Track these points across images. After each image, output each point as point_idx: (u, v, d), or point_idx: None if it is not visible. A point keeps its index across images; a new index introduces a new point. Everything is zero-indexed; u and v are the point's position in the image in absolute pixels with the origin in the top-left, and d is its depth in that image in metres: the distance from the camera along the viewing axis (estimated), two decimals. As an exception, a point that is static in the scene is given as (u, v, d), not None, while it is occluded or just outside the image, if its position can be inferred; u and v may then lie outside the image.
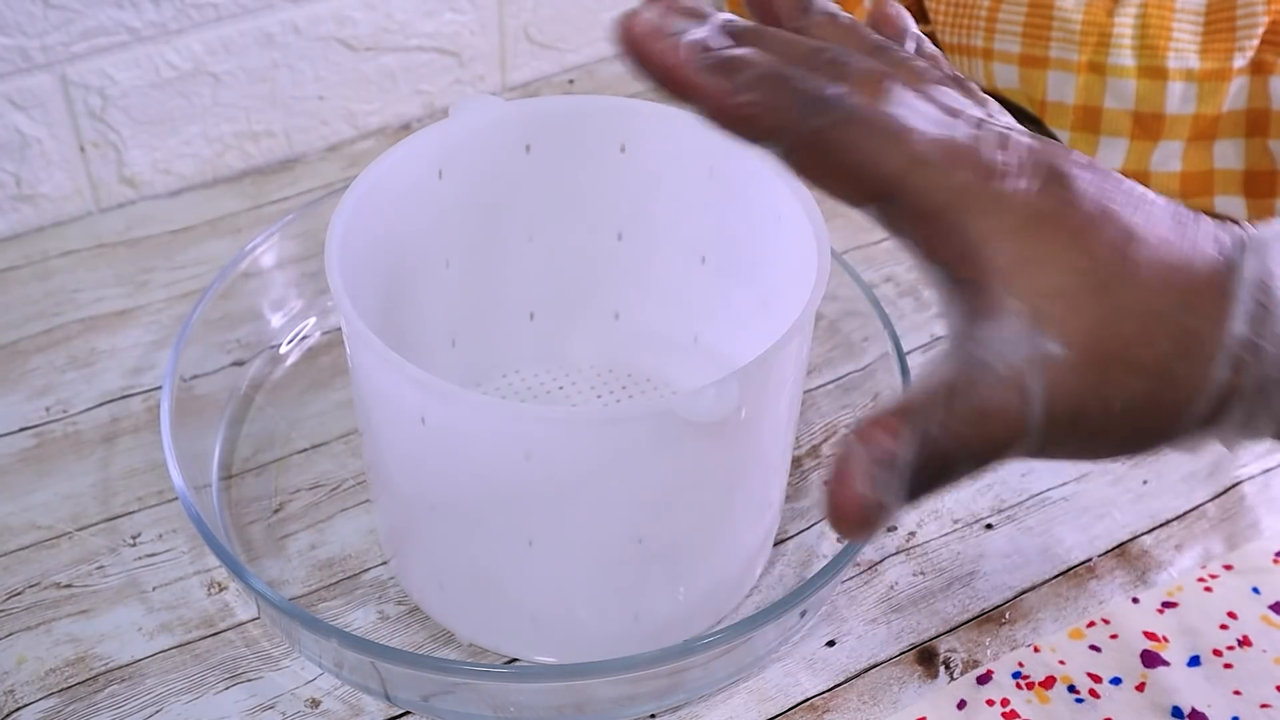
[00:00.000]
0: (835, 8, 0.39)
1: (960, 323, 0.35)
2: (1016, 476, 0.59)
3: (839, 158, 0.34)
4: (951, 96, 0.36)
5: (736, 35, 0.35)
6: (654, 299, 0.59)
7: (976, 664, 0.52)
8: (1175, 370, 0.34)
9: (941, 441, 0.33)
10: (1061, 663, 0.52)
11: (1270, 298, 0.34)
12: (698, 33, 0.34)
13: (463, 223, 0.55)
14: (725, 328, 0.57)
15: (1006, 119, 0.37)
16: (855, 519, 0.33)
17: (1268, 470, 0.59)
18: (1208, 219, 0.36)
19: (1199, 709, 0.50)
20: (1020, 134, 0.36)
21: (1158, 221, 0.35)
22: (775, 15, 0.39)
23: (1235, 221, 0.36)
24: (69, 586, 0.54)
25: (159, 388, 0.60)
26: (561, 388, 0.60)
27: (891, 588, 0.55)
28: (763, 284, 0.54)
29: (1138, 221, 0.35)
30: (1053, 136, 0.75)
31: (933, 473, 0.34)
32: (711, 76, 0.34)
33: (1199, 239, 0.35)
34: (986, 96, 0.38)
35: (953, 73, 0.38)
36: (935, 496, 0.34)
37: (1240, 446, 0.37)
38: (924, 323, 0.66)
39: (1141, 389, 0.34)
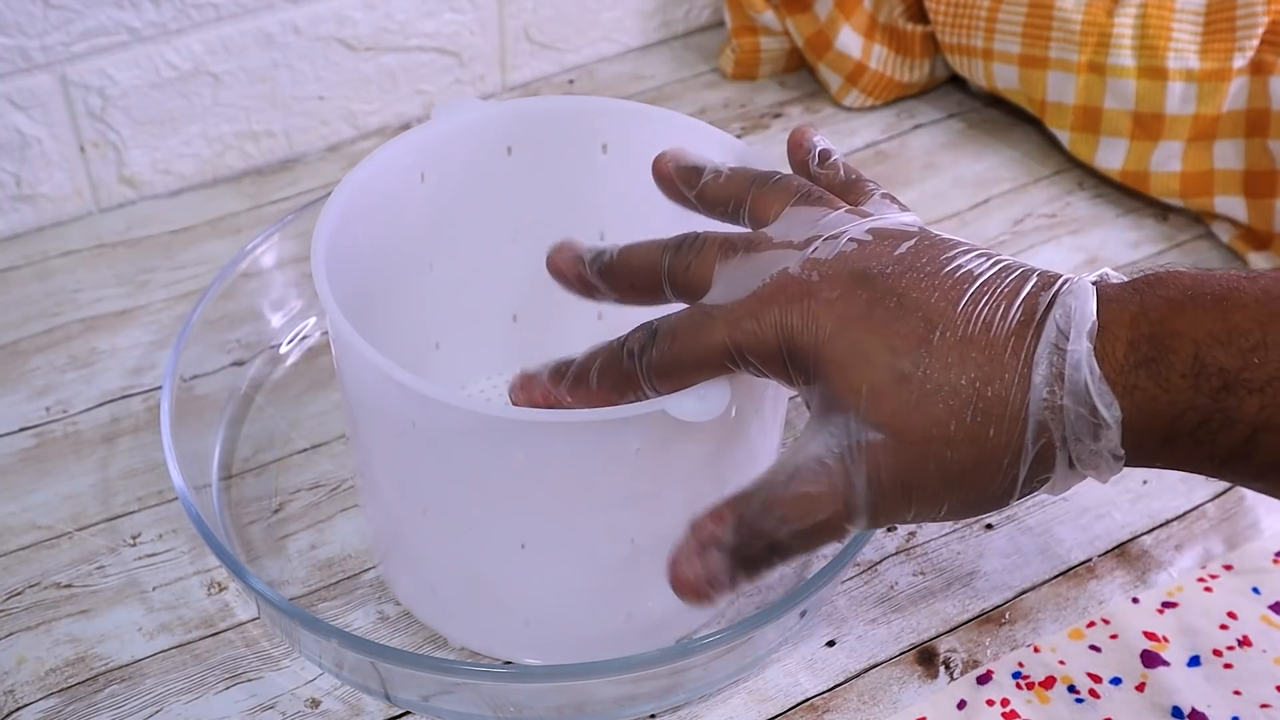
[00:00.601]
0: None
1: (810, 420, 0.41)
2: (1016, 477, 0.59)
3: (683, 363, 0.42)
4: (798, 219, 0.43)
5: (603, 272, 0.46)
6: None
7: (976, 664, 0.52)
8: (986, 437, 0.38)
9: (764, 525, 0.39)
10: (1061, 663, 0.52)
11: (1063, 359, 0.38)
12: (560, 361, 0.45)
13: (445, 226, 0.55)
14: None
15: (879, 201, 0.44)
16: (689, 592, 0.40)
17: (1267, 470, 0.59)
18: (1037, 278, 0.40)
19: (1199, 709, 0.50)
20: (846, 240, 0.41)
21: (964, 302, 0.39)
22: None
23: (1057, 275, 0.40)
24: (69, 586, 0.54)
25: (159, 388, 0.60)
26: None
27: (891, 588, 0.55)
28: None
29: (941, 307, 0.39)
30: (1053, 136, 0.75)
31: (759, 551, 0.40)
32: (574, 391, 0.44)
33: (1008, 311, 0.39)
34: (867, 188, 0.45)
35: (842, 178, 0.46)
36: (775, 571, 0.40)
37: (1109, 476, 0.40)
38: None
39: (959, 458, 0.38)
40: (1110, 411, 0.38)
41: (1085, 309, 0.38)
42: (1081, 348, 0.38)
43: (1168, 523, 0.57)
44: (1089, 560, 0.56)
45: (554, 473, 0.45)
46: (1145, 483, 0.59)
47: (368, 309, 0.49)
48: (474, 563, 0.49)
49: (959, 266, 0.40)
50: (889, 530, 0.57)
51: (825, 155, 0.48)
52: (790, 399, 0.62)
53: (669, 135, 0.52)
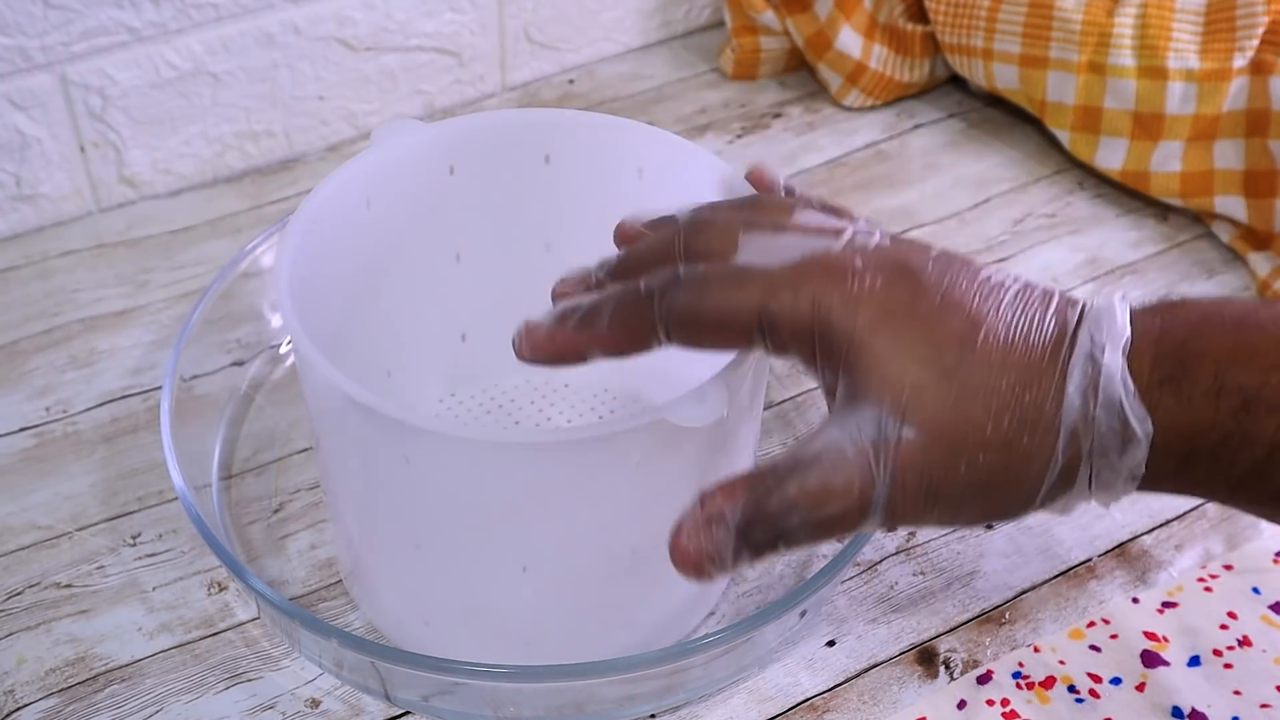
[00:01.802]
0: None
1: (834, 408, 0.39)
2: (1016, 476, 0.59)
3: (706, 319, 0.40)
4: (814, 217, 0.42)
5: (613, 272, 0.43)
6: None
7: (976, 664, 0.52)
8: (1020, 444, 0.38)
9: (775, 509, 0.38)
10: (1061, 663, 0.52)
11: (1098, 370, 0.37)
12: (567, 304, 0.42)
13: (391, 251, 0.54)
14: None
15: (867, 226, 0.42)
16: (688, 566, 0.39)
17: (1268, 470, 0.59)
18: (1060, 296, 0.40)
19: (1199, 709, 0.50)
20: (878, 236, 0.40)
21: (1003, 307, 0.39)
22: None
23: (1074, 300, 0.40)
24: (69, 586, 0.54)
25: (159, 387, 0.60)
26: (501, 406, 0.60)
27: (891, 587, 0.55)
28: None
29: (983, 309, 0.39)
30: (1053, 136, 0.75)
31: (766, 535, 0.38)
32: (582, 331, 0.41)
33: (1043, 321, 0.39)
34: (853, 214, 0.43)
35: (821, 202, 0.44)
36: (778, 557, 0.40)
37: (1113, 500, 0.40)
38: (924, 323, 0.66)
39: (989, 463, 0.38)
40: (1143, 426, 0.37)
41: (1118, 323, 0.38)
42: (1116, 361, 0.38)
43: (1168, 522, 0.57)
44: (1089, 560, 0.56)
45: (556, 493, 0.45)
46: (1145, 483, 0.59)
47: (330, 342, 0.48)
48: (472, 592, 0.48)
49: (989, 277, 0.40)
50: (889, 530, 0.57)
51: (790, 190, 0.47)
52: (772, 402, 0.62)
53: (613, 141, 0.52)
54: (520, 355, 0.42)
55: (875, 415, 0.38)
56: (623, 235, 0.46)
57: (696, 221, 0.43)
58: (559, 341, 0.41)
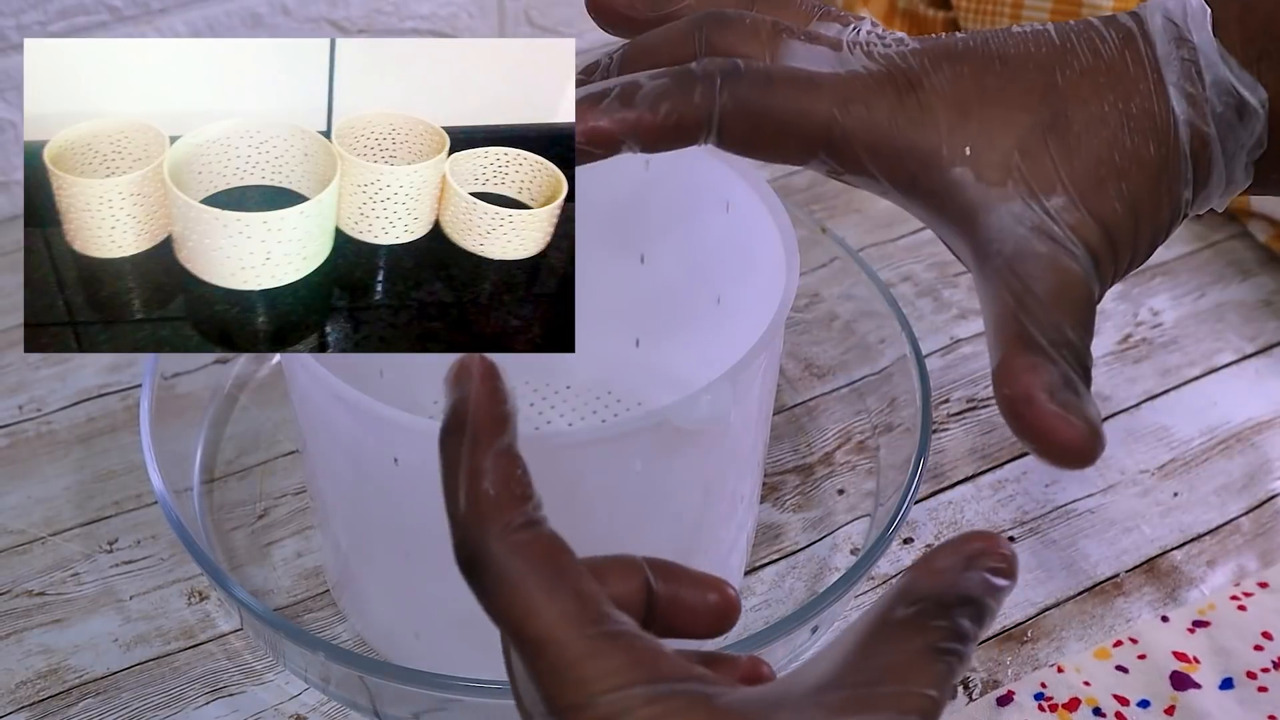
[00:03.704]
0: None
1: (964, 242, 0.38)
2: (1040, 487, 0.59)
3: (771, 119, 0.38)
4: (831, 29, 0.40)
5: (624, 61, 0.40)
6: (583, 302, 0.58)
7: (997, 684, 0.52)
8: (1150, 155, 0.38)
9: (1052, 335, 0.36)
10: (1086, 684, 0.52)
11: (1194, 53, 0.38)
12: (593, 86, 0.38)
13: None
14: (667, 327, 0.57)
15: (883, 29, 0.41)
16: (1079, 440, 0.35)
17: (1305, 483, 0.59)
18: (1093, 19, 0.40)
19: (1231, 734, 0.50)
20: (905, 38, 0.40)
21: (1059, 42, 0.39)
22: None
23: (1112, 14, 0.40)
24: (41, 594, 0.54)
25: (138, 386, 0.60)
26: None
27: (908, 603, 0.54)
28: (709, 283, 0.54)
29: (1044, 53, 0.39)
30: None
31: (1067, 366, 0.36)
32: (622, 110, 0.38)
33: (1104, 35, 0.39)
34: (856, 15, 0.41)
35: (822, 5, 0.42)
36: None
37: (1234, 194, 0.40)
38: (943, 324, 0.66)
39: (1133, 189, 0.38)
40: (1255, 94, 0.38)
41: (1194, 5, 0.38)
42: (1209, 40, 0.38)
43: (1199, 537, 0.57)
44: (1116, 576, 0.56)
45: (553, 498, 0.44)
46: (1176, 495, 0.59)
47: None
48: (465, 602, 0.48)
49: (1024, 29, 0.40)
50: (905, 542, 0.57)
51: None
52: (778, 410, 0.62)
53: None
54: (582, 143, 0.39)
55: (1014, 209, 0.37)
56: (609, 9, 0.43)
57: (720, 16, 0.40)
58: (589, 122, 0.38)
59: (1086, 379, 0.36)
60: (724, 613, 0.35)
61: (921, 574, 0.33)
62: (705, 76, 0.38)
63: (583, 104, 0.38)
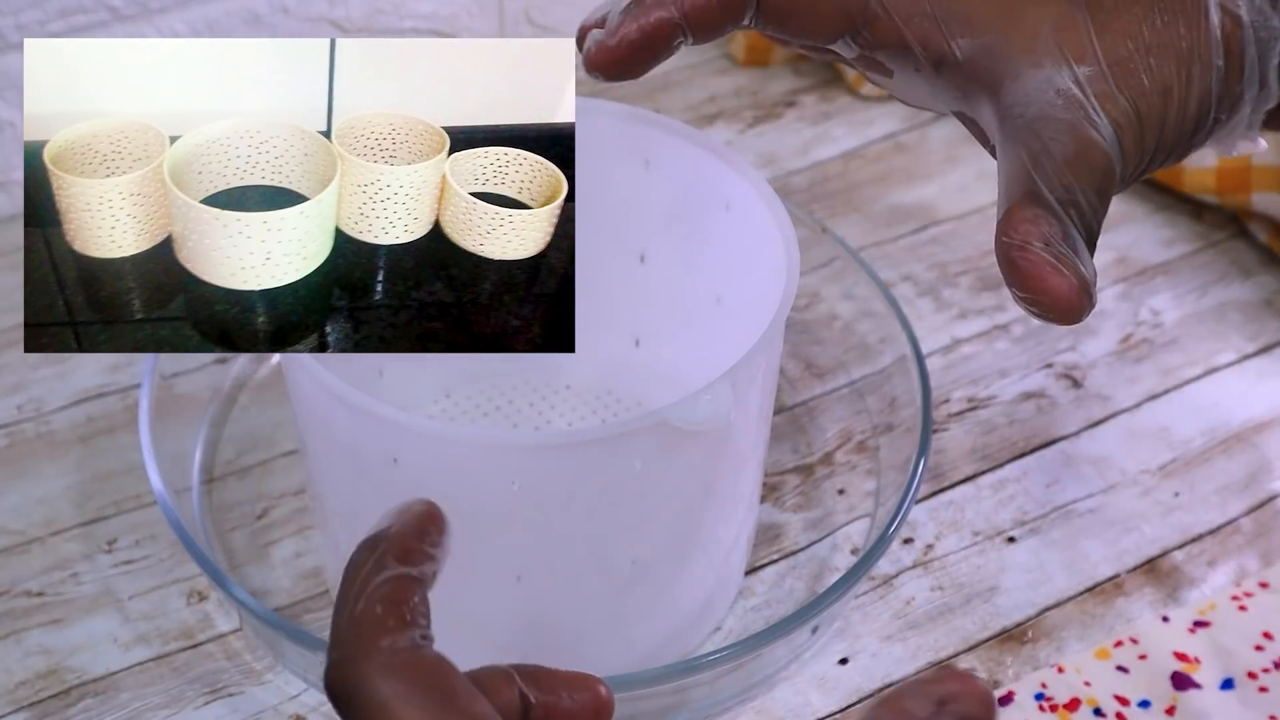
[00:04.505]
0: None
1: (990, 109, 0.39)
2: (1041, 487, 0.59)
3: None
4: None
5: None
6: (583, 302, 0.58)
7: (997, 684, 0.52)
8: (1179, 37, 0.38)
9: (1076, 195, 0.37)
10: (1087, 684, 0.52)
11: None
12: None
13: None
14: (667, 327, 0.58)
15: None
16: (1072, 294, 0.35)
17: (1306, 483, 0.60)
18: None
19: (1232, 734, 0.50)
20: None
21: None
22: None
23: None
24: (41, 595, 0.54)
25: (138, 385, 0.60)
26: (499, 408, 0.59)
27: (908, 603, 0.55)
28: (709, 283, 0.55)
29: None
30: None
31: (1070, 222, 0.36)
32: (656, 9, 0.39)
33: None
34: None
35: None
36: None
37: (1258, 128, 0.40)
38: (944, 324, 0.66)
39: (1162, 69, 0.38)
40: None
41: None
42: None
43: (1200, 537, 0.57)
44: (1117, 576, 0.56)
45: (552, 499, 0.45)
46: (1177, 495, 0.59)
47: None
48: (463, 603, 0.48)
49: None
50: (905, 542, 0.57)
51: None
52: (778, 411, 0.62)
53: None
54: (597, 49, 0.40)
55: (1043, 77, 0.38)
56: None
57: None
58: (645, 18, 0.39)
59: (1091, 242, 0.37)
60: (597, 711, 0.34)
61: (889, 713, 0.31)
62: None
63: (630, 8, 0.39)
